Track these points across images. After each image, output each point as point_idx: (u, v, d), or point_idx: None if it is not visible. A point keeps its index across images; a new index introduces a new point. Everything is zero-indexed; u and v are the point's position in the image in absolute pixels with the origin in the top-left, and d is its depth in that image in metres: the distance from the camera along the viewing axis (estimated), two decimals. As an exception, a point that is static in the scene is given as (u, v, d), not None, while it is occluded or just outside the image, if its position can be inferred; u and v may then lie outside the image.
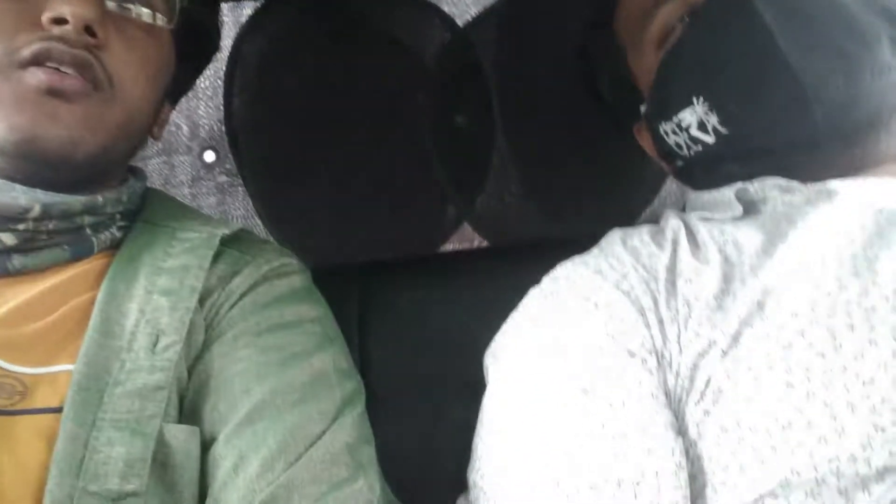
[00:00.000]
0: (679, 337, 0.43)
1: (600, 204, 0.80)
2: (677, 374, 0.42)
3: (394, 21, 0.86)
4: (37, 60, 0.46)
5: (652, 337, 0.43)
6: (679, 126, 0.55)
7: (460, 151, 0.86)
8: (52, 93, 0.47)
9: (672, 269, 0.46)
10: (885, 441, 0.34)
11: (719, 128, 0.52)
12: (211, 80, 0.95)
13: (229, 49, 0.88)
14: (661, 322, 0.44)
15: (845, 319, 0.38)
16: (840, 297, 0.39)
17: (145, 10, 0.52)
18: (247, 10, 0.90)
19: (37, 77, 0.46)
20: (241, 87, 0.88)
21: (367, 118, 0.84)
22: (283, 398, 0.47)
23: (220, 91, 0.89)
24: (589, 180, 0.84)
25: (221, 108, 0.89)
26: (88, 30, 0.47)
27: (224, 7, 0.92)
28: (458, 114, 0.86)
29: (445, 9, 0.88)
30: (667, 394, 0.42)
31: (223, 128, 0.91)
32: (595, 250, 0.52)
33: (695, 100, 0.52)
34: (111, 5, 0.50)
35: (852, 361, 0.36)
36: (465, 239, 0.93)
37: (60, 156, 0.48)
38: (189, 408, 0.47)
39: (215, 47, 0.68)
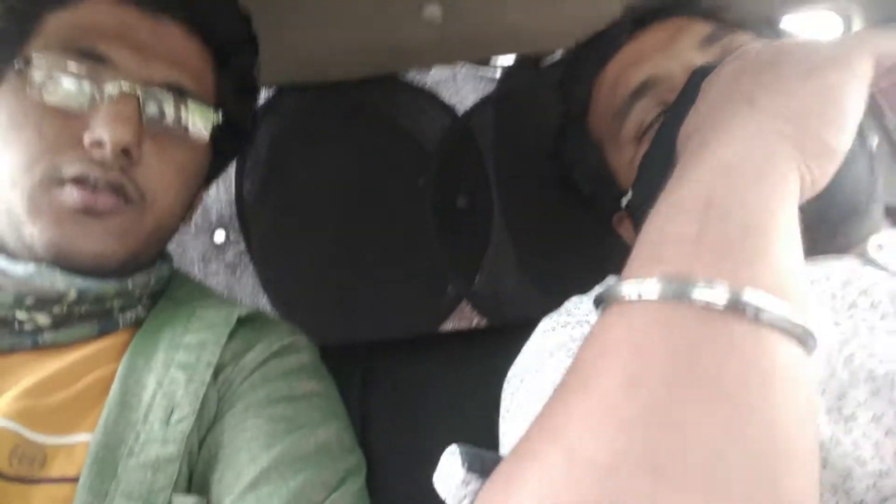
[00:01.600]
0: None
1: (595, 285, 0.82)
2: None
3: (397, 108, 0.91)
4: (75, 180, 0.49)
5: None
6: None
7: (460, 232, 0.89)
8: (87, 211, 0.49)
9: None
10: None
11: None
12: None
13: (241, 134, 0.93)
14: None
15: (826, 369, 0.39)
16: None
17: (182, 126, 0.54)
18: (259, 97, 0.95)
19: (73, 197, 0.49)
20: (252, 169, 0.92)
21: (371, 200, 0.88)
22: (288, 466, 0.48)
23: (232, 173, 0.94)
24: (583, 262, 0.85)
25: (232, 189, 0.93)
26: (125, 152, 0.50)
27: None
28: (458, 196, 0.89)
29: (445, 98, 0.93)
30: None
31: (233, 208, 0.94)
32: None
33: None
34: (150, 122, 0.52)
35: (835, 402, 0.38)
36: (464, 318, 0.94)
37: (92, 266, 0.51)
38: (198, 478, 0.49)
39: (251, 137, 0.70)
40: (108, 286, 0.52)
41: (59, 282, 0.50)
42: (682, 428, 0.24)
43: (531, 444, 0.27)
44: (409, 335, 0.85)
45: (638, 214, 0.60)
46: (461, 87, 0.96)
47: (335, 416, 0.55)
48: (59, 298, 0.50)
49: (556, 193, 0.84)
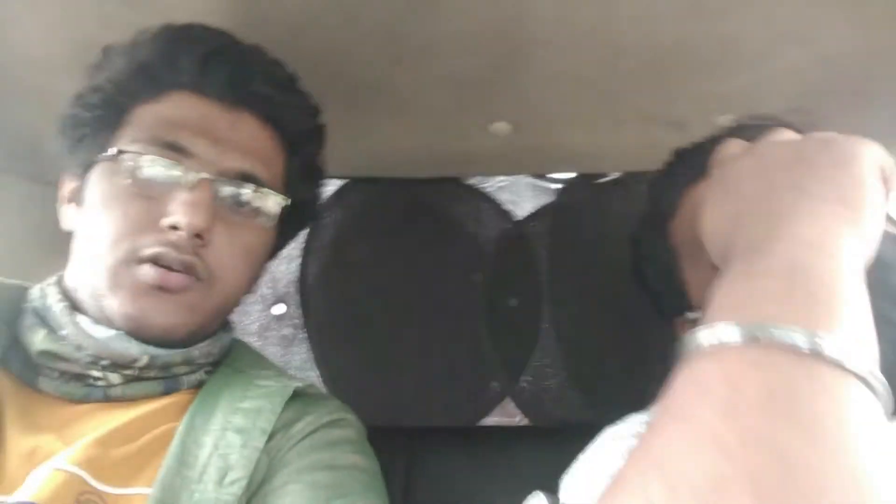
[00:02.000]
0: None
1: (636, 393, 0.82)
2: None
3: (458, 209, 0.97)
4: (152, 260, 0.53)
5: None
6: None
7: (509, 332, 0.92)
8: (161, 288, 0.53)
9: None
10: None
11: None
12: (291, 244, 1.04)
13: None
14: None
15: None
16: None
17: (252, 210, 0.58)
18: (331, 187, 1.02)
19: (149, 274, 0.52)
20: (317, 251, 0.98)
21: (426, 291, 0.92)
22: None
23: (298, 254, 1.00)
24: (627, 371, 0.87)
25: (297, 267, 0.99)
26: (198, 236, 0.54)
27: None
28: (510, 297, 0.93)
29: (505, 204, 0.99)
30: None
31: (295, 285, 1.00)
32: None
33: None
34: (222, 207, 0.56)
35: None
36: (507, 414, 0.96)
37: (161, 336, 0.55)
38: None
39: (315, 218, 0.73)
40: (176, 354, 0.56)
41: (133, 349, 0.54)
42: (785, 455, 0.25)
43: (628, 476, 0.28)
44: (452, 424, 0.87)
45: None
46: (520, 195, 1.01)
47: (376, 492, 0.56)
48: (131, 363, 0.54)
49: (604, 302, 0.87)
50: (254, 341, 1.02)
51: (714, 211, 0.42)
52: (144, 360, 0.54)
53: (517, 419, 0.94)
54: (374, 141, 0.87)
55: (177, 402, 0.56)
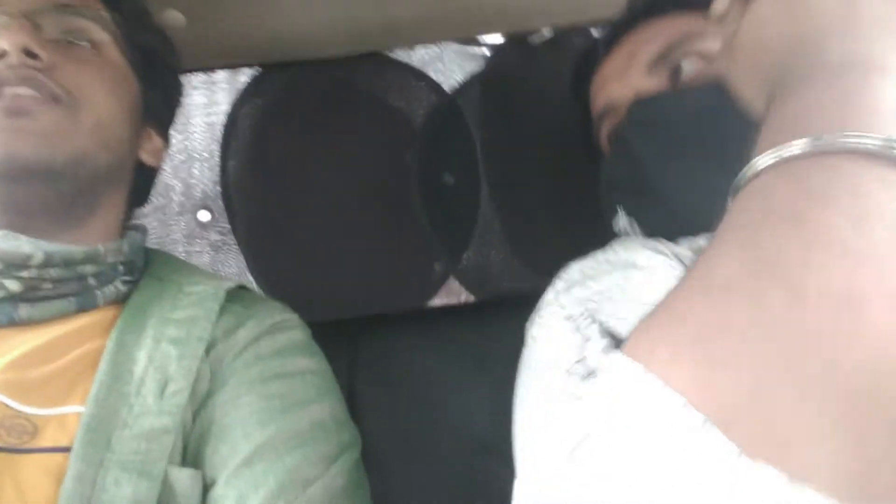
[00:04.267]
0: None
1: (581, 257, 0.82)
2: None
3: (384, 86, 0.91)
4: None
5: None
6: (617, 227, 0.61)
7: (447, 209, 0.89)
8: (13, 112, 0.50)
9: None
10: None
11: (640, 230, 0.57)
12: (207, 142, 0.98)
13: (226, 113, 0.92)
14: None
15: None
16: None
17: (83, 38, 0.56)
18: (243, 77, 0.94)
19: None
20: (237, 148, 0.91)
21: (357, 177, 0.88)
22: (283, 442, 0.48)
23: (216, 153, 0.93)
24: (571, 236, 0.85)
25: (217, 169, 0.92)
26: (29, 53, 0.51)
27: (221, 73, 0.97)
28: (445, 173, 0.89)
29: (433, 76, 0.93)
30: None
31: (218, 188, 0.94)
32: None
33: (618, 208, 0.59)
34: (49, 38, 0.54)
35: None
36: (452, 293, 0.95)
37: (39, 162, 0.50)
38: (192, 452, 0.48)
39: (172, 71, 0.69)
40: (76, 249, 0.52)
41: (24, 245, 0.50)
42: None
43: (734, 278, 0.25)
44: (397, 311, 0.85)
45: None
46: (448, 65, 0.96)
47: (329, 393, 0.55)
48: (25, 262, 0.49)
49: (541, 169, 0.85)
50: (180, 252, 0.97)
51: (767, 30, 0.36)
52: (39, 258, 0.50)
53: (462, 298, 0.94)
54: (284, 21, 0.79)
55: (98, 320, 0.52)
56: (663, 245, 0.49)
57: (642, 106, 0.55)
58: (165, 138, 0.68)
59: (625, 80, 0.59)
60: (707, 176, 0.50)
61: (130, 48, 0.60)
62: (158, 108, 0.66)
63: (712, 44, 0.56)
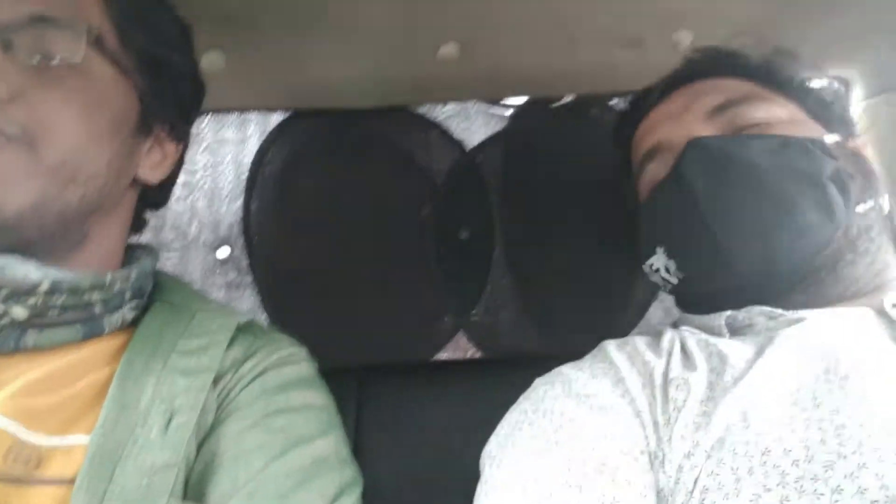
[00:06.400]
0: (670, 438, 0.45)
1: (591, 323, 0.83)
2: (668, 474, 0.44)
3: (407, 140, 0.93)
4: None
5: (646, 437, 0.45)
6: (651, 268, 0.62)
7: (460, 265, 0.90)
8: None
9: (666, 376, 0.49)
10: None
11: (678, 272, 0.60)
12: (233, 182, 1.00)
13: (253, 154, 0.95)
14: (655, 424, 0.46)
15: (818, 434, 0.41)
16: (814, 413, 0.42)
17: (54, 57, 0.49)
18: (273, 119, 0.96)
19: None
20: (261, 188, 0.94)
21: (375, 227, 0.89)
22: (286, 478, 0.48)
23: (241, 193, 0.95)
24: (581, 300, 0.86)
25: (240, 208, 0.95)
26: None
27: (251, 116, 1.00)
28: (461, 228, 0.91)
29: (455, 133, 0.95)
30: (659, 492, 0.44)
31: (239, 227, 0.95)
32: (588, 358, 0.55)
33: (658, 249, 0.61)
34: (17, 60, 0.48)
35: (822, 471, 0.39)
36: (460, 349, 0.95)
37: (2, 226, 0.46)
38: (195, 484, 0.48)
39: (181, 74, 0.61)
40: (83, 276, 0.50)
41: (32, 273, 0.47)
42: None
43: None
44: (404, 361, 0.85)
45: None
46: (472, 122, 0.98)
47: (333, 429, 0.55)
48: (33, 289, 0.47)
49: (557, 232, 0.86)
50: (197, 286, 0.98)
51: None
52: (46, 285, 0.47)
53: (469, 353, 0.94)
54: (317, 70, 0.82)
55: (106, 348, 0.52)
56: (634, 374, 0.50)
57: (703, 143, 0.56)
58: (179, 139, 0.61)
59: (681, 122, 0.61)
60: (759, 217, 0.53)
61: (129, 43, 0.54)
62: (167, 107, 0.59)
63: (767, 111, 0.58)
